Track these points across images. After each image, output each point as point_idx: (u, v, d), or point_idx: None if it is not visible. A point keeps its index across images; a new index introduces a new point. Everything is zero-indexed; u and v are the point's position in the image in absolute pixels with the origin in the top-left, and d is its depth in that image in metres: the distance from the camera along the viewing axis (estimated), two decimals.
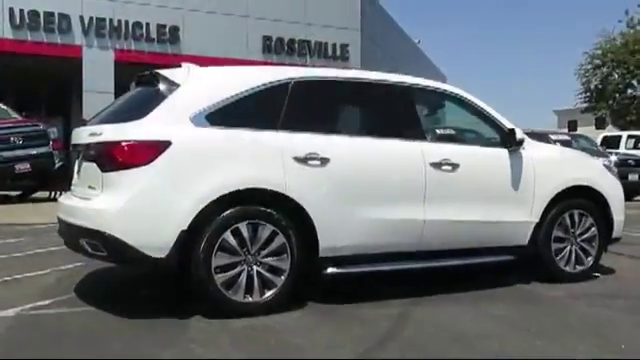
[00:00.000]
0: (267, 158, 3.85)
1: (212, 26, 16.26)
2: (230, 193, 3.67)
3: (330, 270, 4.03)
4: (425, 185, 4.28)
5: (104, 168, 3.64)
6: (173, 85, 3.84)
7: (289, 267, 3.86)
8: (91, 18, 15.53)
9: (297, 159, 3.89)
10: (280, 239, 3.83)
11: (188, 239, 3.60)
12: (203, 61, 15.26)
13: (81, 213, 3.75)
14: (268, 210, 3.81)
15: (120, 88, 15.99)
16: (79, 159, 4.19)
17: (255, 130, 3.88)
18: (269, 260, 3.82)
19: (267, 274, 3.81)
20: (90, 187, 3.78)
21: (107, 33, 15.61)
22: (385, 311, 3.95)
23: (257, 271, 3.78)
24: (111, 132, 3.70)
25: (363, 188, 4.11)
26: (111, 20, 15.68)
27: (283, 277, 3.84)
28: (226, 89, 3.91)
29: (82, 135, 4.10)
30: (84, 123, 4.28)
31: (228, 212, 3.69)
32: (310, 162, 3.93)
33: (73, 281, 4.75)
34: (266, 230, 3.79)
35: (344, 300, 4.15)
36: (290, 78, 4.09)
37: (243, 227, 3.73)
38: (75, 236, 3.83)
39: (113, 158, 3.60)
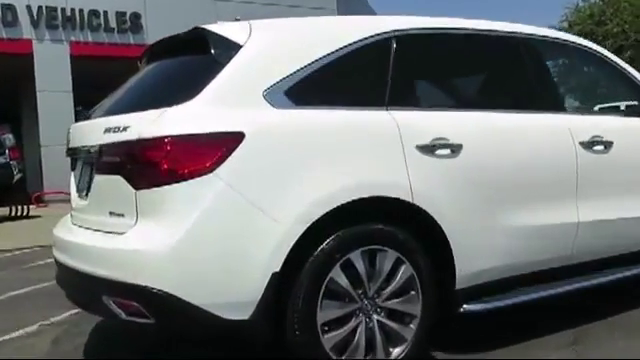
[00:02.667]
0: (383, 151, 2.55)
1: (178, 11, 14.61)
2: (337, 208, 2.37)
3: (468, 307, 2.78)
4: (577, 174, 3.08)
5: (139, 183, 2.27)
6: (230, 47, 2.46)
7: (420, 310, 2.58)
8: (40, 8, 13.71)
9: (422, 148, 2.60)
10: (407, 270, 2.55)
11: (282, 286, 2.32)
12: None
13: (102, 256, 2.36)
14: (390, 229, 2.53)
15: (79, 85, 14.46)
16: (83, 169, 2.81)
17: (356, 109, 2.58)
18: (393, 303, 2.53)
19: (392, 324, 2.52)
20: (113, 214, 2.40)
21: (60, 24, 13.83)
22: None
23: (378, 321, 2.49)
24: (145, 123, 2.29)
25: (505, 184, 2.85)
26: (63, 9, 13.89)
27: (413, 326, 2.56)
28: (308, 50, 2.57)
29: (89, 133, 2.70)
30: (86, 115, 2.89)
31: (335, 237, 2.38)
32: (438, 152, 2.65)
33: (77, 344, 3.35)
34: (387, 259, 2.50)
35: (470, 344, 2.95)
36: (392, 31, 2.78)
37: (357, 258, 2.43)
38: (92, 292, 2.42)
39: (154, 166, 2.23)
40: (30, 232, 8.99)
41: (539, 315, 3.27)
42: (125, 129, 2.33)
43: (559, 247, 3.04)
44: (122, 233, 2.30)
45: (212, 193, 2.21)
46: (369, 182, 2.47)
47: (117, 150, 2.37)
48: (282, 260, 2.25)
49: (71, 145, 2.88)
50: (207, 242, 2.20)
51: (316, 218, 2.31)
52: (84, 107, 2.91)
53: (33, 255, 6.83)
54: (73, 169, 3.13)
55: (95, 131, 2.57)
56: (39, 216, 11.20)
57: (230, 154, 2.23)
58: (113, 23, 14.33)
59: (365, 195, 2.42)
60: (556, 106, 3.13)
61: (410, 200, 2.53)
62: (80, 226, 2.69)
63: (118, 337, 3.50)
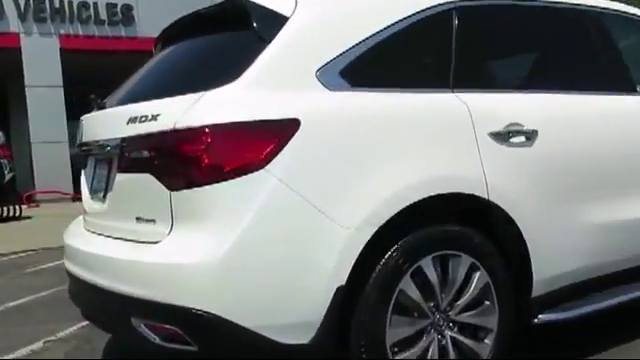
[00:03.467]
0: (455, 139, 2.18)
1: (171, 2, 14.13)
2: (408, 207, 2.00)
3: (545, 317, 2.42)
4: None
5: (174, 183, 1.88)
6: (274, 20, 2.07)
7: (497, 323, 2.22)
8: (27, 0, 13.18)
9: (495, 136, 2.24)
10: (482, 278, 2.18)
11: (347, 302, 1.95)
12: None
13: (129, 271, 1.97)
14: (464, 230, 2.17)
15: (70, 80, 13.95)
16: (99, 167, 2.43)
17: (419, 91, 2.21)
18: (468, 316, 2.17)
19: (466, 341, 2.16)
20: (141, 220, 2.01)
21: (48, 17, 13.27)
22: None
23: (451, 338, 2.14)
24: (180, 110, 1.90)
25: (586, 175, 2.49)
26: (52, 1, 13.31)
27: (489, 341, 2.20)
28: (363, 24, 2.17)
29: (107, 124, 2.31)
30: (100, 105, 2.48)
31: (404, 242, 2.01)
32: (512, 140, 2.29)
33: None
34: (461, 265, 2.14)
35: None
36: (456, 1, 2.39)
37: (428, 265, 2.07)
38: (117, 313, 2.04)
39: (193, 162, 1.85)
40: (24, 234, 8.56)
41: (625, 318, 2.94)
42: (155, 118, 1.94)
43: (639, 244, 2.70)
44: (154, 243, 1.92)
45: (264, 193, 1.83)
46: (444, 176, 2.10)
47: (145, 143, 1.98)
48: (348, 271, 1.88)
49: (84, 139, 2.48)
50: (260, 253, 1.82)
51: (385, 220, 1.94)
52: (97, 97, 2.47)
53: (29, 259, 6.42)
54: (84, 167, 2.74)
55: (115, 122, 2.18)
56: (31, 217, 10.76)
57: (284, 146, 1.86)
58: (104, 15, 13.79)
59: (440, 191, 2.05)
60: (631, 86, 2.78)
61: (485, 196, 2.17)
62: (98, 233, 2.30)
63: (138, 355, 3.13)
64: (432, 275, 2.08)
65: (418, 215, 2.03)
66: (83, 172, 2.75)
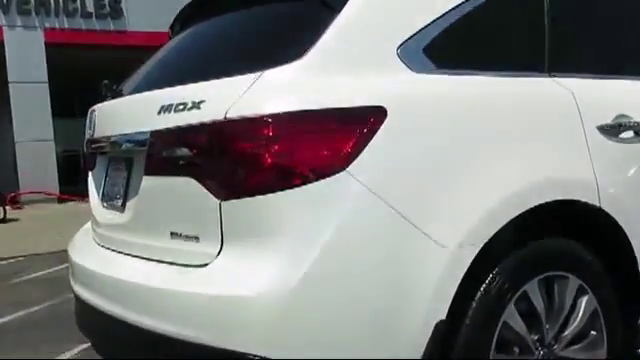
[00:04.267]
0: (564, 135, 1.77)
1: None
2: (516, 219, 1.57)
3: None
4: None
5: (226, 189, 1.45)
6: None
7: (605, 356, 1.85)
8: None
9: (604, 130, 1.83)
10: (590, 303, 1.77)
11: (446, 341, 1.53)
12: (154, 38, 12.93)
13: (162, 301, 1.52)
14: (574, 246, 1.76)
15: (56, 75, 13.35)
16: (113, 168, 2.01)
17: (513, 75, 1.78)
18: (574, 350, 1.76)
19: None
20: (179, 236, 1.56)
21: (33, 9, 12.59)
22: None
23: None
24: (231, 96, 1.46)
25: None
26: None
27: None
28: None
29: (129, 114, 1.86)
30: (114, 92, 2.02)
31: (507, 263, 1.60)
32: (622, 134, 1.90)
33: None
34: (569, 288, 1.74)
35: None
36: None
37: (533, 290, 1.66)
38: (143, 353, 1.58)
39: (253, 162, 1.42)
40: (10, 238, 8.04)
41: None
42: (197, 106, 1.51)
43: None
44: (198, 266, 1.49)
45: (345, 203, 1.40)
46: (554, 181, 1.69)
47: (185, 138, 1.54)
48: (449, 302, 1.47)
49: (96, 135, 2.03)
50: (342, 281, 1.39)
51: (490, 235, 1.54)
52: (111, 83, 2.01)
53: (17, 267, 5.93)
54: (91, 168, 2.30)
55: (140, 112, 1.74)
56: (16, 219, 10.21)
57: (368, 141, 1.43)
58: (91, 8, 13.14)
59: (550, 199, 1.64)
60: None
61: (597, 203, 1.77)
62: (116, 251, 1.86)
63: None
64: (538, 302, 1.67)
65: (522, 229, 1.63)
66: (91, 174, 2.31)
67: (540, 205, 1.63)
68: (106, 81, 2.06)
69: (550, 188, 1.66)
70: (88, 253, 2.02)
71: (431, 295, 1.45)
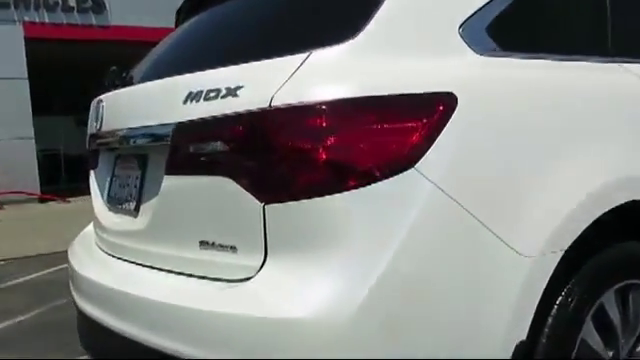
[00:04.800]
0: (637, 125, 1.59)
1: None
2: (596, 221, 1.38)
3: None
4: None
5: (271, 192, 1.22)
6: None
7: None
8: None
9: None
10: None
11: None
12: (137, 34, 12.62)
13: (193, 324, 1.27)
14: None
15: (36, 71, 12.92)
16: (121, 166, 1.79)
17: (579, 59, 1.57)
18: None
19: None
20: (210, 245, 1.33)
21: (12, 2, 12.09)
22: None
23: None
24: (275, 80, 1.24)
25: None
26: None
27: None
28: None
29: (146, 104, 1.60)
30: (126, 80, 1.77)
31: (584, 272, 1.40)
32: None
33: None
34: None
35: None
36: None
37: (610, 301, 1.46)
38: None
39: (305, 159, 1.20)
40: None
41: None
42: (233, 92, 1.27)
43: None
44: (236, 282, 1.26)
45: (415, 205, 1.18)
46: (635, 177, 1.51)
47: (220, 131, 1.30)
48: (530, 319, 1.27)
49: (104, 128, 1.79)
50: (412, 300, 1.17)
51: (571, 241, 1.34)
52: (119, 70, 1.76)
53: (1, 272, 5.63)
54: (94, 166, 2.06)
55: (161, 100, 1.50)
56: None
57: (438, 133, 1.23)
58: (72, 1, 12.68)
59: (634, 197, 1.46)
60: None
61: None
62: (130, 261, 1.63)
63: None
64: (614, 314, 1.49)
65: (602, 232, 1.43)
66: (93, 173, 2.07)
67: (621, 205, 1.44)
68: (114, 67, 1.82)
69: (633, 185, 1.47)
70: (95, 263, 1.78)
71: (511, 312, 1.24)
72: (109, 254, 1.77)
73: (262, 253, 1.24)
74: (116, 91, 1.77)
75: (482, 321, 1.22)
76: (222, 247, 1.31)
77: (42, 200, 12.47)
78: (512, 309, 1.24)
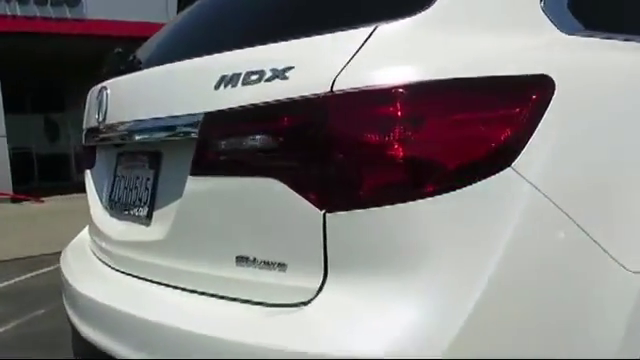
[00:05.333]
0: None
1: None
2: None
3: None
4: None
5: (334, 197, 0.98)
6: None
7: None
8: None
9: None
10: None
11: None
12: (115, 28, 12.24)
13: (226, 356, 1.01)
14: None
15: (7, 67, 12.39)
16: (128, 165, 1.53)
17: None
18: None
19: None
20: (251, 262, 1.08)
21: None
22: None
23: None
24: (338, 58, 0.99)
25: None
26: None
27: None
28: None
29: (163, 92, 1.33)
30: (123, 66, 1.51)
31: None
32: None
33: None
34: None
35: None
36: None
37: None
38: None
39: (380, 156, 0.95)
40: None
41: None
42: (281, 74, 1.03)
43: None
44: (288, 307, 1.02)
45: (514, 214, 0.95)
46: None
47: (265, 121, 1.06)
48: None
49: (108, 120, 1.51)
50: (515, 326, 0.95)
51: None
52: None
53: None
54: (90, 166, 1.80)
55: (185, 85, 1.25)
56: None
57: (536, 125, 1.00)
58: None
59: None
60: None
61: None
62: (141, 278, 1.37)
63: None
64: None
65: None
66: (89, 173, 1.81)
67: None
68: (119, 49, 1.57)
69: None
70: (95, 278, 1.52)
71: (622, 338, 1.04)
72: (112, 267, 1.51)
73: (321, 272, 1.00)
74: (123, 77, 1.51)
75: (592, 348, 1.01)
76: (266, 264, 1.07)
77: (15, 200, 12.01)
78: (622, 333, 1.03)
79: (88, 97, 1.77)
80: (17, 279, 4.91)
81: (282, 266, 1.05)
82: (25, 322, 3.67)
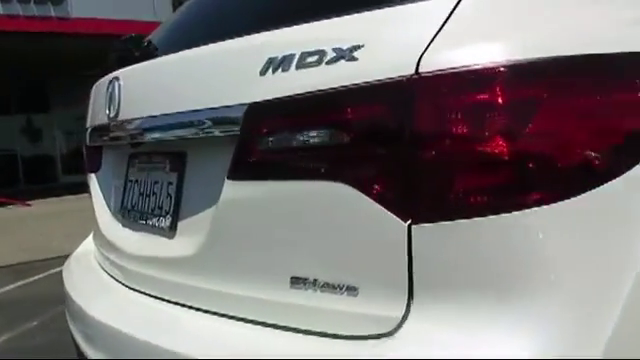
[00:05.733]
0: None
1: None
2: None
3: None
4: None
5: (419, 205, 0.79)
6: None
7: None
8: None
9: None
10: None
11: None
12: (100, 26, 11.96)
13: None
14: None
15: None
16: (143, 168, 1.33)
17: None
18: None
19: None
20: (308, 283, 0.88)
21: None
22: None
23: None
24: (421, 34, 0.80)
25: None
26: None
27: None
28: None
29: (184, 82, 1.13)
30: (137, 52, 1.32)
31: None
32: None
33: None
34: None
35: None
36: None
37: None
38: None
39: (489, 154, 0.75)
40: None
41: None
42: (347, 55, 0.84)
43: None
44: (362, 340, 0.83)
45: None
46: None
47: (327, 112, 0.87)
48: None
49: (122, 116, 1.30)
50: None
51: None
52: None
53: None
54: (95, 169, 1.59)
55: (220, 72, 1.04)
56: None
57: None
58: None
59: None
60: None
61: None
62: (163, 299, 1.16)
63: None
64: None
65: None
66: (94, 177, 1.61)
67: None
68: (131, 35, 1.36)
69: None
70: (108, 298, 1.31)
71: None
72: (126, 285, 1.31)
73: (404, 296, 0.81)
74: (138, 65, 1.30)
75: None
76: (331, 287, 0.88)
77: (0, 204, 11.68)
78: None
79: (93, 92, 1.57)
80: (7, 288, 4.66)
81: (352, 289, 0.86)
82: (17, 335, 3.44)
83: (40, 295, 4.23)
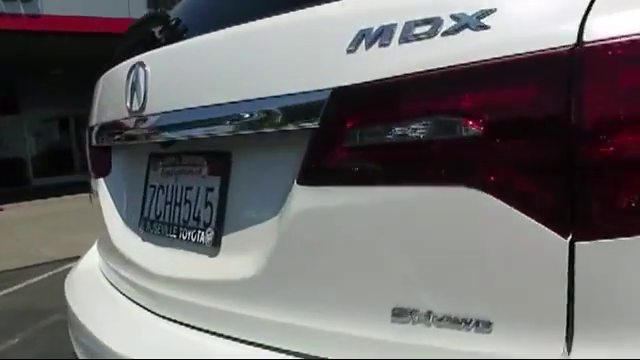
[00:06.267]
0: None
1: None
2: None
3: None
4: None
5: (587, 217, 0.59)
6: None
7: None
8: None
9: None
10: None
11: None
12: (69, 24, 11.58)
13: None
14: None
15: None
16: (168, 172, 1.12)
17: None
18: None
19: None
20: (419, 315, 0.68)
21: None
22: None
23: None
24: None
25: None
26: None
27: None
28: None
29: (232, 66, 0.90)
30: (162, 35, 1.11)
31: None
32: None
33: None
34: None
35: None
36: None
37: None
38: None
39: None
40: None
41: None
42: (471, 23, 0.64)
43: None
44: None
45: None
46: None
47: (447, 98, 0.66)
48: None
49: (149, 109, 1.07)
50: None
51: None
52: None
53: None
54: (104, 172, 1.37)
55: (283, 53, 0.84)
56: None
57: None
58: None
59: None
60: None
61: None
62: (206, 331, 0.94)
63: None
64: None
65: None
66: (103, 182, 1.39)
67: None
68: (152, 10, 1.15)
69: None
70: (131, 329, 1.10)
71: None
72: (155, 313, 1.10)
73: (562, 334, 0.63)
74: (169, 47, 1.08)
75: None
76: (451, 321, 0.69)
77: None
78: None
79: (100, 85, 1.35)
80: None
81: (483, 325, 0.67)
82: (2, 350, 3.19)
83: (22, 307, 3.96)
